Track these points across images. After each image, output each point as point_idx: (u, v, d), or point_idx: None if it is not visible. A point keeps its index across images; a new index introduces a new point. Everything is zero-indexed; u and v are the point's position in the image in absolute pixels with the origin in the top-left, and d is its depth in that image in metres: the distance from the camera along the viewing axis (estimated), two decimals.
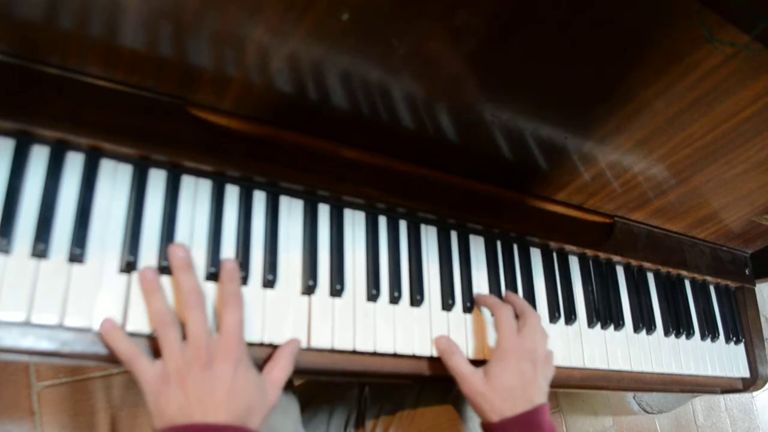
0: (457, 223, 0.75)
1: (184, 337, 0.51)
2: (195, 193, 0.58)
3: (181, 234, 0.56)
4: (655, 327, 0.91)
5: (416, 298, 0.68)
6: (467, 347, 0.70)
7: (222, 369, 0.50)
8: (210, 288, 0.55)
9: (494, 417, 0.62)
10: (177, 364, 0.49)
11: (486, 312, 0.73)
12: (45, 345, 0.48)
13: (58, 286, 0.49)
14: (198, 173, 0.59)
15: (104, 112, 0.53)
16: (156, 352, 0.51)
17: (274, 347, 0.57)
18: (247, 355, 0.52)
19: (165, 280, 0.53)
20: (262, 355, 0.56)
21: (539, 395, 0.65)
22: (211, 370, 0.49)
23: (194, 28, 0.49)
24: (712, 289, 1.06)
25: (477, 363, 0.72)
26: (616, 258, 0.90)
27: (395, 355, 0.65)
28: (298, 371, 0.58)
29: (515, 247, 0.81)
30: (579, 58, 0.58)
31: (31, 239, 0.48)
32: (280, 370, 0.55)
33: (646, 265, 0.94)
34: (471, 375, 0.64)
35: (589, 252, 0.87)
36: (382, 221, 0.70)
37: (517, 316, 0.71)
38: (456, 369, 0.65)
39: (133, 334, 0.51)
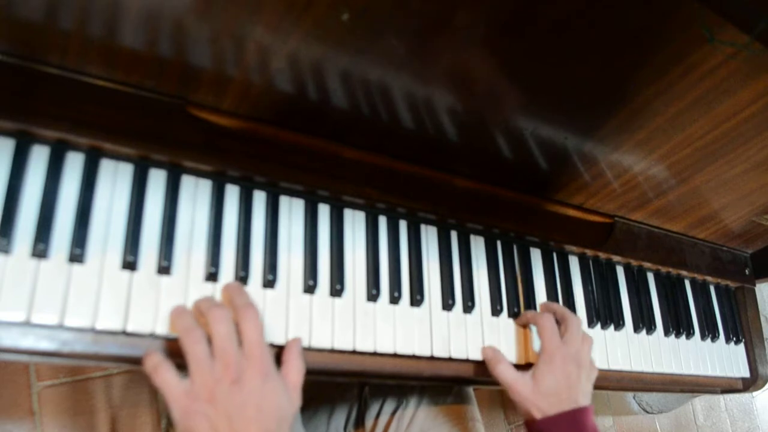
0: (457, 223, 0.75)
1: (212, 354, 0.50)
2: (195, 193, 0.58)
3: (181, 234, 0.56)
4: (655, 327, 0.91)
5: (416, 298, 0.68)
6: (467, 347, 0.70)
7: (252, 384, 0.49)
8: (211, 288, 0.55)
9: (539, 416, 0.65)
10: (206, 380, 0.48)
11: (486, 312, 0.73)
12: (45, 345, 0.48)
13: (58, 286, 0.49)
14: (198, 173, 0.59)
15: (104, 112, 0.53)
16: (169, 352, 0.51)
17: (274, 347, 0.57)
18: (273, 365, 0.52)
19: (165, 280, 0.54)
20: None
21: (584, 397, 0.67)
22: (241, 386, 0.48)
23: (194, 28, 0.49)
24: (712, 289, 1.06)
25: (479, 363, 0.72)
26: (616, 258, 0.90)
27: (395, 355, 0.65)
28: None
29: (515, 247, 0.81)
30: (578, 58, 0.58)
31: (31, 239, 0.49)
32: (296, 372, 0.54)
33: (646, 265, 0.94)
34: (517, 382, 0.66)
35: (589, 252, 0.87)
36: (382, 221, 0.70)
37: (558, 322, 0.72)
38: (502, 377, 0.67)
39: (133, 334, 0.51)
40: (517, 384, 0.66)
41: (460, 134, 0.67)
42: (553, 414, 0.64)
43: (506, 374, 0.67)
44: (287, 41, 0.51)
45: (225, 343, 0.49)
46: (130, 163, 0.55)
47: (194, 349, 0.49)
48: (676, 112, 0.67)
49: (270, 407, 0.49)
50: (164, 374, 0.49)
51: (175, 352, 0.51)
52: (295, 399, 0.53)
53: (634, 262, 0.93)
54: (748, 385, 1.05)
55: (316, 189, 0.64)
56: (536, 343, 0.76)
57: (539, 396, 0.65)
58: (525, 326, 0.75)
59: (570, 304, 0.83)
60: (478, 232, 0.77)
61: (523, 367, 0.72)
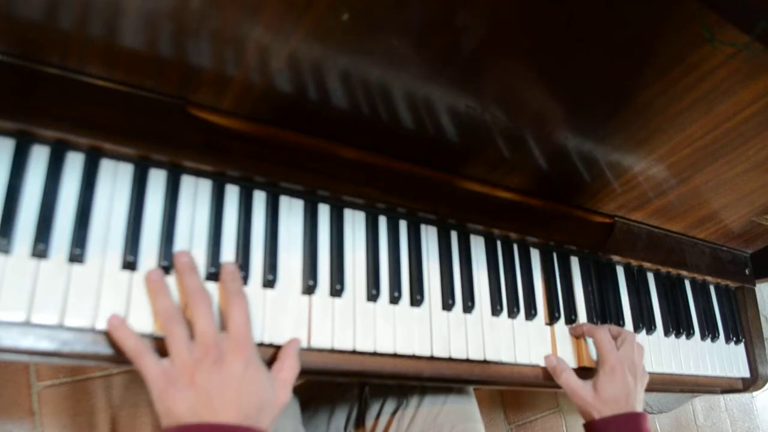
0: (457, 223, 0.75)
1: (192, 337, 0.50)
2: (195, 193, 0.58)
3: (181, 234, 0.56)
4: (655, 327, 0.91)
5: (416, 298, 0.67)
6: (467, 347, 0.70)
7: (233, 367, 0.49)
8: (211, 288, 0.55)
9: (598, 418, 0.71)
10: (185, 362, 0.48)
11: (486, 312, 0.73)
12: (45, 345, 0.48)
13: (58, 286, 0.49)
14: (198, 173, 0.59)
15: (104, 112, 0.53)
16: (161, 352, 0.50)
17: (274, 347, 0.57)
18: (256, 353, 0.52)
19: (166, 280, 0.53)
20: (263, 356, 0.56)
21: (639, 403, 0.74)
22: (221, 368, 0.48)
23: (194, 28, 0.49)
24: (712, 289, 1.06)
25: (478, 363, 0.72)
26: (616, 258, 0.90)
27: (395, 355, 0.65)
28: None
29: (515, 247, 0.81)
30: (578, 58, 0.58)
31: (31, 239, 0.48)
32: (288, 369, 0.54)
33: (646, 265, 0.94)
34: (581, 389, 0.73)
35: (589, 252, 0.87)
36: (382, 221, 0.70)
37: (613, 336, 0.78)
38: (567, 385, 0.74)
39: None
40: (581, 391, 0.72)
41: (460, 134, 0.67)
42: (610, 415, 0.70)
43: (571, 382, 0.73)
44: (287, 41, 0.51)
45: (206, 326, 0.50)
46: (130, 163, 0.55)
47: (173, 330, 0.49)
48: (676, 112, 0.67)
49: (250, 392, 0.49)
50: (144, 357, 0.48)
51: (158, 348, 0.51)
52: (282, 394, 0.53)
53: (634, 262, 0.93)
54: (748, 385, 1.05)
55: (316, 189, 0.64)
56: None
57: (600, 403, 0.71)
58: (580, 337, 0.81)
59: (570, 304, 0.83)
60: (478, 232, 0.77)
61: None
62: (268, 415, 0.51)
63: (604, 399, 0.71)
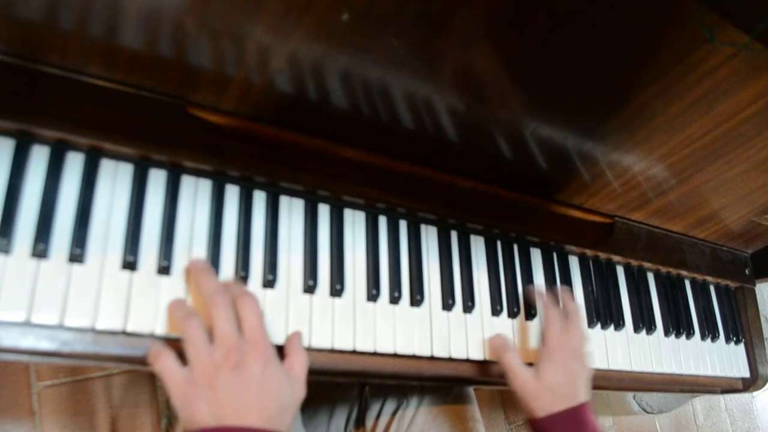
0: (458, 223, 0.75)
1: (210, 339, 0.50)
2: (195, 193, 0.58)
3: (181, 234, 0.56)
4: (655, 327, 0.91)
5: (416, 298, 0.68)
6: (467, 347, 0.70)
7: (253, 370, 0.48)
8: None
9: (541, 413, 0.65)
10: (206, 366, 0.48)
11: (486, 312, 0.73)
12: (45, 345, 0.48)
13: (58, 286, 0.49)
14: (198, 173, 0.59)
15: (104, 112, 0.53)
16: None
17: (274, 347, 0.57)
18: (273, 351, 0.51)
19: (165, 280, 0.54)
20: None
21: (583, 393, 0.68)
22: (242, 371, 0.48)
23: (194, 28, 0.49)
24: (712, 289, 1.06)
25: (478, 363, 0.72)
26: (616, 258, 0.90)
27: (395, 355, 0.65)
28: None
29: (515, 247, 0.81)
30: (578, 57, 0.58)
31: (31, 239, 0.49)
32: (300, 363, 0.54)
33: (646, 265, 0.94)
34: (522, 372, 0.67)
35: (589, 252, 0.87)
36: (382, 221, 0.70)
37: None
38: (508, 365, 0.67)
39: (133, 334, 0.51)
40: (522, 375, 0.66)
41: (460, 134, 0.67)
42: (556, 411, 0.64)
43: (513, 362, 0.67)
44: (287, 41, 0.51)
45: (225, 328, 0.49)
46: (130, 163, 0.55)
47: (193, 335, 0.49)
48: (676, 112, 0.67)
49: (271, 394, 0.49)
50: (165, 360, 0.48)
51: (175, 352, 0.51)
52: (299, 390, 0.52)
53: (634, 262, 0.93)
54: (748, 385, 1.05)
55: (316, 189, 0.64)
56: (535, 345, 0.76)
57: (541, 389, 0.65)
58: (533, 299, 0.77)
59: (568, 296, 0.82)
60: (478, 232, 0.77)
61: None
62: (289, 415, 0.51)
63: (546, 386, 0.65)
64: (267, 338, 0.51)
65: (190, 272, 0.53)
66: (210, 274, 0.53)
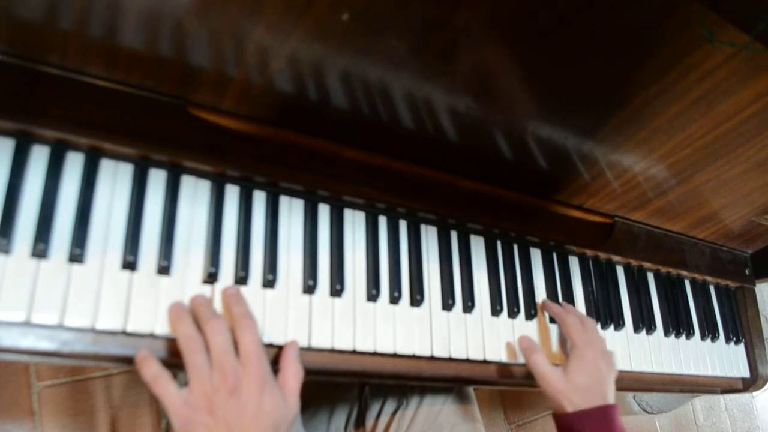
0: (458, 223, 0.75)
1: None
2: (195, 193, 0.58)
3: (181, 234, 0.56)
4: (655, 327, 0.91)
5: (416, 298, 0.67)
6: (467, 347, 0.70)
7: (249, 394, 0.50)
8: (208, 289, 0.55)
9: (569, 408, 0.66)
10: (205, 390, 0.49)
11: (486, 312, 0.73)
12: (45, 345, 0.48)
13: (58, 286, 0.49)
14: (198, 173, 0.59)
15: (104, 112, 0.53)
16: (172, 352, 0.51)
17: (275, 347, 0.57)
18: (270, 373, 0.53)
19: (165, 280, 0.54)
20: None
21: (611, 394, 0.69)
22: (238, 395, 0.49)
23: (194, 28, 0.49)
24: (712, 289, 1.06)
25: (478, 363, 0.72)
26: (616, 258, 0.90)
27: (395, 355, 0.65)
28: None
29: (515, 247, 0.81)
30: (578, 57, 0.58)
31: (31, 239, 0.49)
32: (293, 377, 0.55)
33: (646, 265, 0.94)
34: (551, 374, 0.68)
35: (589, 252, 0.87)
36: (382, 221, 0.70)
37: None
38: (536, 367, 0.69)
39: (133, 334, 0.51)
40: (552, 376, 0.68)
41: (460, 134, 0.67)
42: (586, 408, 0.66)
43: (541, 364, 0.69)
44: (287, 41, 0.51)
45: (223, 354, 0.50)
46: (130, 163, 0.55)
47: (194, 360, 0.50)
48: (676, 112, 0.67)
49: (267, 414, 0.50)
50: (164, 385, 0.49)
51: (174, 352, 0.51)
52: (293, 404, 0.54)
53: (634, 262, 0.93)
54: (748, 385, 1.05)
55: (316, 189, 0.64)
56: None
57: (572, 390, 0.67)
58: (544, 312, 0.78)
59: (570, 304, 0.82)
60: (478, 232, 0.77)
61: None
62: (284, 428, 0.52)
63: (576, 386, 0.67)
64: (263, 361, 0.52)
65: (191, 303, 0.54)
66: (209, 303, 0.54)
